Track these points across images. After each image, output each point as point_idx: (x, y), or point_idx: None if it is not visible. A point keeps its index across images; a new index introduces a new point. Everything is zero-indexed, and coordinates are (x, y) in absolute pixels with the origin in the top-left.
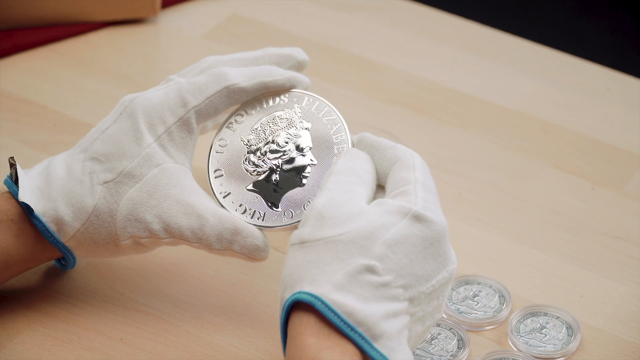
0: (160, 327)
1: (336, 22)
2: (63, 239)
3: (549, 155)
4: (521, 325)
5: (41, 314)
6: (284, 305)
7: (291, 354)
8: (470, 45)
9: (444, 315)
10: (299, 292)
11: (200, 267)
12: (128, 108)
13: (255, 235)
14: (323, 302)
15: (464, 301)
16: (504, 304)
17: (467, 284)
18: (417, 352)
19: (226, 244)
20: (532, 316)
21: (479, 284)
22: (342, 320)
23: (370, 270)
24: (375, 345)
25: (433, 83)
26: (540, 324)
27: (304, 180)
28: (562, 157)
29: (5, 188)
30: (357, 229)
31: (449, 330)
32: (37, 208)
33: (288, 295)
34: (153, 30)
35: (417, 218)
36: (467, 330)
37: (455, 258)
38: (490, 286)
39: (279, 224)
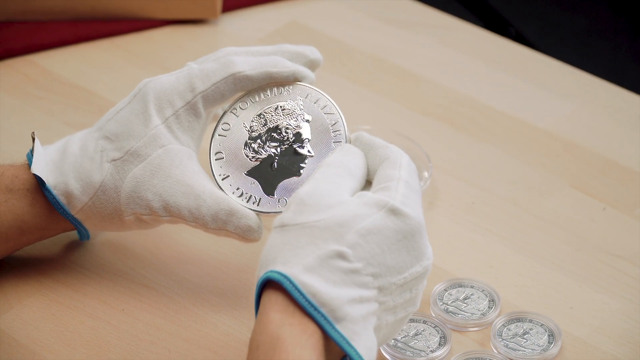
0: (161, 302)
1: (389, 35)
2: (72, 211)
3: (569, 174)
4: (505, 329)
5: (53, 281)
6: (257, 283)
7: (256, 328)
8: (513, 66)
9: (432, 314)
10: (271, 271)
11: (210, 250)
12: (142, 91)
13: (249, 217)
14: (291, 282)
15: (454, 302)
16: (492, 308)
17: (460, 286)
18: (399, 345)
19: (221, 224)
20: (517, 321)
21: (472, 287)
22: (306, 299)
23: (341, 256)
24: (337, 326)
25: (468, 98)
26: (524, 330)
27: (301, 170)
28: (580, 177)
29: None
30: (333, 216)
31: (434, 327)
32: (50, 181)
33: (262, 273)
34: (212, 31)
35: (394, 211)
36: (453, 330)
37: (431, 254)
38: (482, 290)
39: (273, 210)
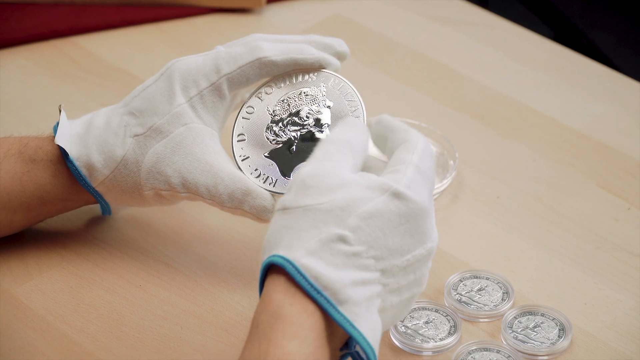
0: (178, 279)
1: (430, 31)
2: (93, 183)
3: (596, 174)
4: (516, 321)
5: (75, 254)
6: (261, 267)
7: (258, 309)
8: (551, 66)
9: (446, 304)
10: (274, 255)
11: (231, 231)
12: (169, 70)
13: (264, 197)
14: (293, 265)
15: (468, 293)
16: (505, 300)
17: (476, 277)
18: (409, 332)
19: (237, 203)
20: (528, 314)
21: (487, 279)
22: (309, 282)
23: (342, 239)
24: (340, 309)
25: (503, 96)
26: (535, 323)
27: None
28: (607, 177)
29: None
30: (335, 199)
31: (445, 316)
32: (73, 153)
33: (265, 257)
34: (255, 20)
35: (396, 195)
36: (465, 320)
37: (436, 237)
38: (497, 282)
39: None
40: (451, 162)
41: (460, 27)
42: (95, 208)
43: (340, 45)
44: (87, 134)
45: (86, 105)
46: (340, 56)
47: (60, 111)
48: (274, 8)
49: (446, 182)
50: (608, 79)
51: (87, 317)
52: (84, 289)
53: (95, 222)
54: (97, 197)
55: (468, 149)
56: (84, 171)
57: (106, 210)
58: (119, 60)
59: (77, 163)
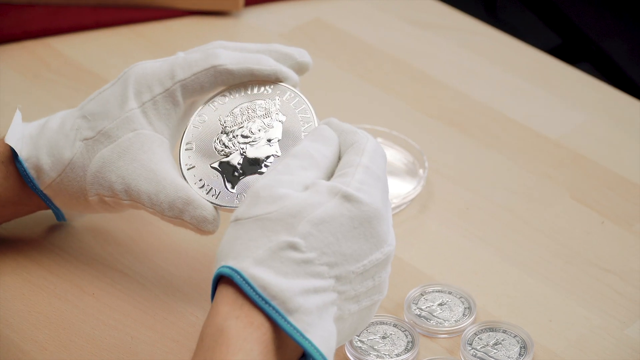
0: (134, 289)
1: (411, 36)
2: (41, 186)
3: (572, 186)
4: (476, 338)
5: (30, 261)
6: (212, 279)
7: (205, 322)
8: (531, 73)
9: (405, 319)
10: (223, 266)
11: (190, 241)
12: (126, 74)
13: (205, 208)
14: (241, 276)
15: (429, 307)
16: (467, 315)
17: (438, 291)
18: (364, 347)
19: (177, 212)
20: (489, 331)
21: (450, 293)
22: (256, 293)
23: (293, 247)
24: (290, 319)
25: (480, 103)
26: (496, 340)
27: (264, 169)
28: (583, 189)
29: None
30: (285, 207)
31: (403, 332)
32: (23, 153)
33: (216, 269)
34: (233, 24)
35: (347, 198)
36: (424, 336)
37: (393, 240)
38: (460, 297)
39: (229, 205)
40: (421, 171)
41: (443, 32)
42: (53, 214)
43: (302, 55)
44: (39, 135)
45: (54, 107)
46: (301, 66)
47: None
48: (252, 11)
49: (414, 191)
50: (592, 87)
51: (37, 326)
52: (36, 296)
53: (53, 229)
54: (46, 201)
55: (441, 157)
56: (32, 173)
57: (60, 216)
58: (91, 62)
59: (25, 164)
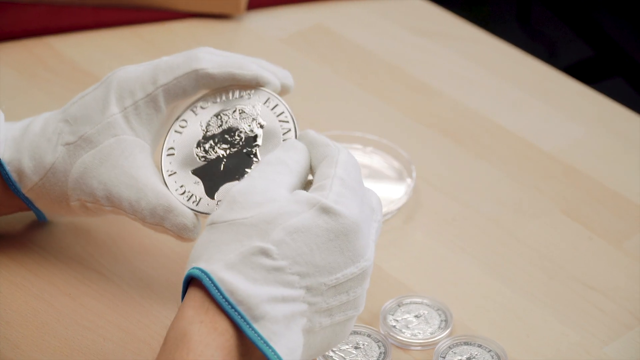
0: (110, 290)
1: (410, 44)
2: (23, 189)
3: (562, 199)
4: (450, 351)
5: (9, 259)
6: (183, 281)
7: (171, 325)
8: (531, 85)
9: (380, 330)
10: (193, 268)
11: (170, 243)
12: (109, 78)
13: (186, 215)
14: (210, 278)
15: (404, 319)
16: (442, 328)
17: (414, 303)
18: (336, 357)
19: (158, 219)
20: (464, 344)
21: (427, 305)
22: (223, 296)
23: (265, 253)
24: (255, 325)
25: (476, 113)
26: (470, 354)
27: (244, 175)
28: (574, 203)
29: None
30: (261, 213)
31: (377, 342)
32: (5, 156)
33: (186, 271)
34: (234, 27)
35: (325, 210)
36: (397, 347)
37: (371, 256)
38: (438, 309)
39: (209, 212)
40: (408, 180)
41: (444, 41)
42: (33, 214)
43: (286, 77)
44: (22, 138)
45: (48, 107)
46: (283, 88)
47: None
48: (254, 15)
49: (400, 200)
50: (591, 100)
51: (12, 324)
52: (13, 294)
53: (34, 228)
54: (27, 204)
55: (432, 167)
56: (14, 176)
57: (41, 216)
58: (89, 63)
59: (7, 167)
